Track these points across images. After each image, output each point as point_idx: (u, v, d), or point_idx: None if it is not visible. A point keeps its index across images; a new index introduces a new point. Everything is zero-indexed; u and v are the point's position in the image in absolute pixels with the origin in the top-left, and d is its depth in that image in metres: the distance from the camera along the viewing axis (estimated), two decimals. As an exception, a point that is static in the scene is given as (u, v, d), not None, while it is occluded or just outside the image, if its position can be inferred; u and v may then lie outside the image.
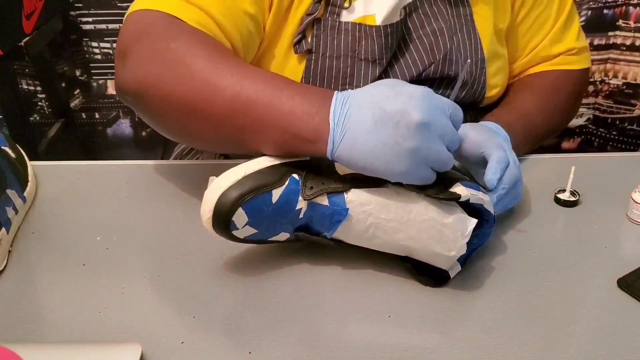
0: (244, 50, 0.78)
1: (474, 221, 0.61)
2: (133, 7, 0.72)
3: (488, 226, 0.65)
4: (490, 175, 0.67)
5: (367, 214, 0.61)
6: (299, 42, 0.81)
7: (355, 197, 0.61)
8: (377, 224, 0.61)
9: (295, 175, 0.61)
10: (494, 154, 0.68)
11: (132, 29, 0.69)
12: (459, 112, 0.61)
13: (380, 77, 0.84)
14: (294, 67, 0.83)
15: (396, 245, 0.62)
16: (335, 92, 0.60)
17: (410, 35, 0.85)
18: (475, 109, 0.95)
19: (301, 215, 0.62)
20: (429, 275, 0.64)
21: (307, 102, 0.59)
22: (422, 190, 0.60)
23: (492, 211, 0.64)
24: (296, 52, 0.82)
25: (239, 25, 0.75)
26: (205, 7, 0.71)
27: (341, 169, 0.64)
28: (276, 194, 0.60)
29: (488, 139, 0.70)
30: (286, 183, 0.61)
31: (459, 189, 0.61)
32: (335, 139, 0.58)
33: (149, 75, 0.65)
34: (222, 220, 0.60)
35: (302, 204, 0.61)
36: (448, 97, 0.64)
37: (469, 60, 0.80)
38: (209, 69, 0.63)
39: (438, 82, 0.87)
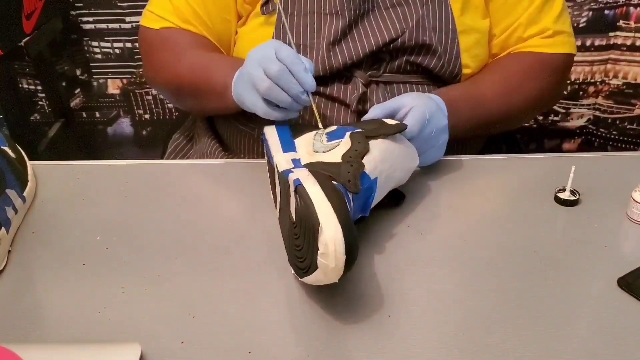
0: (216, 31, 0.95)
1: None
2: (141, 20, 0.98)
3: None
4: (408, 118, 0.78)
5: (379, 172, 0.69)
6: (265, 3, 0.91)
7: (368, 167, 0.67)
8: (386, 176, 0.71)
9: (334, 182, 0.63)
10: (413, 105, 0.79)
11: (141, 44, 1.00)
12: (283, 48, 0.75)
13: (346, 31, 0.89)
14: (263, 28, 0.91)
15: (392, 183, 0.74)
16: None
17: (384, 3, 0.90)
18: None
19: (352, 210, 0.63)
20: (393, 199, 0.76)
21: (221, 73, 0.85)
22: (383, 136, 0.72)
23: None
24: (263, 13, 0.91)
25: (200, 27, 0.95)
26: (173, 21, 0.94)
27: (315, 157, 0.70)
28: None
29: (416, 106, 0.78)
30: (340, 189, 0.62)
31: (391, 124, 0.75)
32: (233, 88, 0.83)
33: (153, 79, 0.99)
34: (354, 254, 0.56)
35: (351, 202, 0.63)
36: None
37: None
38: (175, 62, 0.92)
39: (411, 49, 0.90)
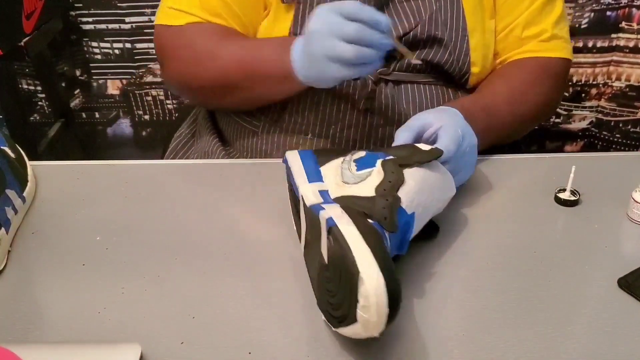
0: (246, 22, 0.92)
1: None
2: (156, 19, 0.94)
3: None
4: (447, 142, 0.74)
5: (415, 206, 0.64)
6: None
7: (404, 201, 0.62)
8: (423, 208, 0.65)
9: (370, 220, 0.58)
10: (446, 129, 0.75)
11: (157, 43, 0.95)
12: (347, 7, 0.72)
13: None
14: (282, 18, 0.90)
15: (429, 216, 0.68)
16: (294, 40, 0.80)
17: None
18: (463, 88, 0.96)
19: (389, 249, 0.58)
20: (426, 232, 0.69)
21: (277, 52, 0.81)
22: (418, 164, 0.66)
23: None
24: (283, 2, 0.89)
25: (231, 20, 0.90)
26: (196, 12, 0.89)
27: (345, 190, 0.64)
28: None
29: (446, 125, 0.75)
30: (377, 229, 0.57)
31: (425, 149, 0.69)
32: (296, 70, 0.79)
33: (182, 77, 0.92)
34: (398, 306, 0.52)
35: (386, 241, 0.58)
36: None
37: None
38: (215, 55, 0.87)
39: (423, 42, 0.90)
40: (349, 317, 0.52)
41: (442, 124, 0.75)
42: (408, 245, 0.62)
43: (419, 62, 0.81)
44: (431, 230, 0.71)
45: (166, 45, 0.92)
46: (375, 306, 0.50)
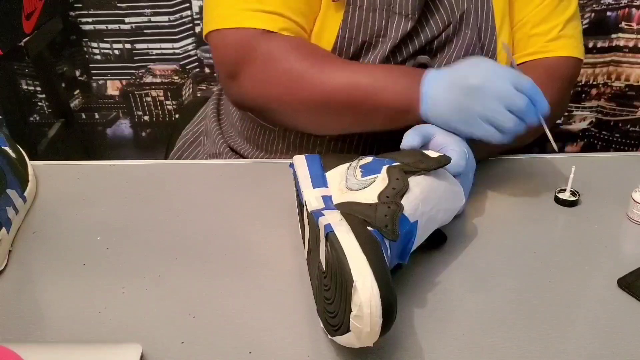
0: (311, 19, 0.85)
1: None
2: (212, 24, 0.82)
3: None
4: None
5: (419, 214, 0.62)
6: None
7: (407, 209, 0.61)
8: (428, 218, 0.64)
9: (369, 228, 0.57)
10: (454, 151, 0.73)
11: (231, 51, 0.82)
12: (522, 80, 0.72)
13: (411, 32, 0.86)
14: (332, 18, 0.85)
15: (434, 225, 0.67)
16: (426, 71, 0.76)
17: None
18: None
19: (390, 258, 0.58)
20: (433, 241, 0.69)
21: (401, 83, 0.77)
22: (425, 171, 0.65)
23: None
24: (334, 1, 0.84)
25: (309, 16, 0.84)
26: (283, 12, 0.81)
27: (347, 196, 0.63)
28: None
29: (452, 142, 0.73)
30: (376, 237, 0.56)
31: (432, 156, 0.67)
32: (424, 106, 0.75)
33: (269, 95, 0.81)
34: (392, 317, 0.51)
35: (388, 249, 0.57)
36: None
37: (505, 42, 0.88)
38: (320, 77, 0.78)
39: (455, 40, 0.88)
40: (343, 326, 0.52)
41: (451, 139, 0.74)
42: (410, 255, 0.61)
43: (556, 150, 0.78)
44: (439, 239, 0.70)
45: (247, 54, 0.80)
46: (368, 316, 0.49)
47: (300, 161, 0.71)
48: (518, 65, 0.93)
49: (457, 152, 0.71)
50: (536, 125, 0.73)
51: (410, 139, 0.72)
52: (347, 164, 0.68)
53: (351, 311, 0.50)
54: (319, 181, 0.67)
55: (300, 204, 0.68)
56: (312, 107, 0.79)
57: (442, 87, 0.74)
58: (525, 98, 0.71)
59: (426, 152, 0.69)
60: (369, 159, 0.68)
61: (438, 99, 0.74)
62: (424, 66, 0.89)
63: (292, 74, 0.79)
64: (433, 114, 0.74)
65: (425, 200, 0.63)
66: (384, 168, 0.64)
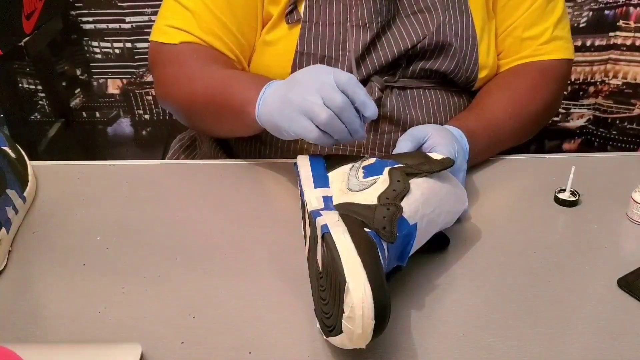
0: (243, 41, 0.90)
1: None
2: (151, 35, 0.92)
3: None
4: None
5: (419, 217, 0.62)
6: (290, 12, 0.87)
7: (407, 211, 0.60)
8: (428, 220, 0.63)
9: (366, 229, 0.57)
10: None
11: (153, 59, 0.93)
12: (347, 83, 0.69)
13: (372, 42, 0.87)
14: (289, 36, 0.88)
15: (435, 228, 0.66)
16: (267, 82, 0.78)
17: (405, 11, 0.89)
18: (469, 92, 0.96)
19: (387, 260, 0.58)
20: (435, 244, 0.68)
21: (241, 92, 0.79)
22: (427, 174, 0.65)
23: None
24: (287, 23, 0.88)
25: (223, 38, 0.88)
26: (196, 34, 0.87)
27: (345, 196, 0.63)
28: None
29: (446, 142, 0.73)
30: (373, 239, 0.56)
31: (436, 159, 0.68)
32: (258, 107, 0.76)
33: (166, 96, 0.91)
34: (385, 319, 0.51)
35: (385, 251, 0.57)
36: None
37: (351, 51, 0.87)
38: (192, 85, 0.85)
39: (430, 52, 0.90)
40: (336, 327, 0.52)
41: (439, 143, 0.73)
42: (409, 257, 0.61)
43: (368, 161, 0.72)
44: (441, 242, 0.70)
45: (158, 62, 0.91)
46: (360, 318, 0.49)
47: (303, 161, 0.72)
48: (510, 68, 0.96)
49: (444, 153, 0.71)
50: (359, 134, 0.71)
51: (402, 146, 0.74)
52: (350, 165, 0.68)
53: (344, 312, 0.50)
54: (321, 181, 0.67)
55: (303, 204, 0.68)
56: (185, 106, 0.89)
57: (274, 87, 0.75)
58: (344, 96, 0.68)
59: (430, 154, 0.68)
60: (372, 160, 0.68)
61: (267, 98, 0.75)
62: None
63: (178, 76, 0.87)
64: (262, 112, 0.75)
65: (427, 202, 0.63)
66: (386, 169, 0.64)
